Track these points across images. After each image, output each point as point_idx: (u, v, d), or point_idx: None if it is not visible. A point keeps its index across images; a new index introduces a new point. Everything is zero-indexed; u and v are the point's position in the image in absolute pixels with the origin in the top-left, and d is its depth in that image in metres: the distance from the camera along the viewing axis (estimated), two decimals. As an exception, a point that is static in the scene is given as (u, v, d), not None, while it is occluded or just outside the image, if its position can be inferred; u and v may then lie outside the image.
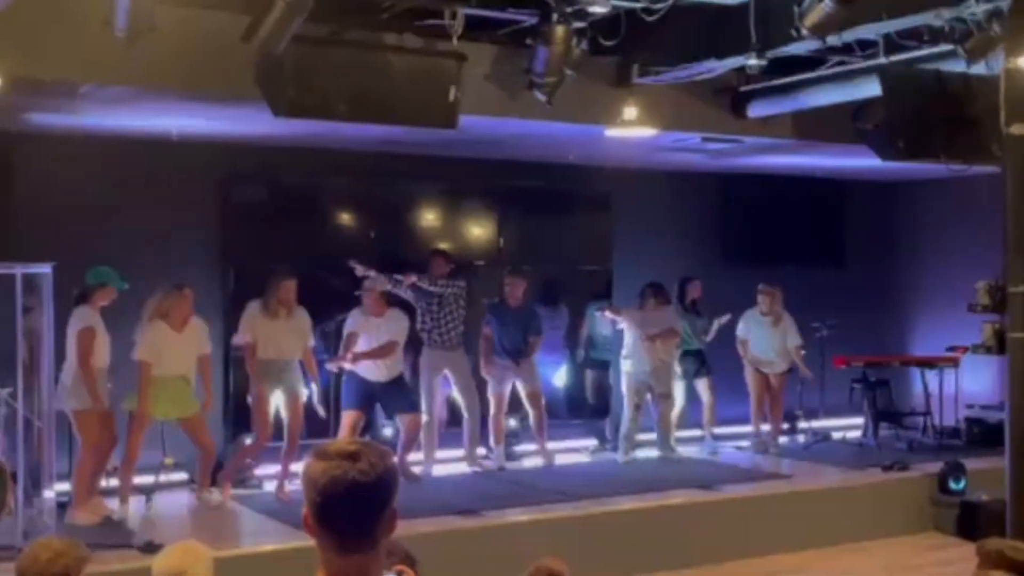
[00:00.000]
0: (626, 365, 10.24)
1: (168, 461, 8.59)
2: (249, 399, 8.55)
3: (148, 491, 8.37)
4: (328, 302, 9.28)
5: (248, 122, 7.94)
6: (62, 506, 7.72)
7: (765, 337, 10.74)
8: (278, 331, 8.42)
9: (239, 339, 8.60)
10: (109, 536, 7.05)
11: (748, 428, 10.96)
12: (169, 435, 8.42)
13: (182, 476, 8.82)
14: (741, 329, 10.83)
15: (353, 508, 2.02)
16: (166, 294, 8.08)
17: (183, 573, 3.59)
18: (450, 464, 9.71)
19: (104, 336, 7.71)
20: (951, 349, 11.43)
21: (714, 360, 10.82)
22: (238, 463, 8.72)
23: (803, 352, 10.96)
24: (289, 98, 6.80)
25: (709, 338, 10.78)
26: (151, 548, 6.52)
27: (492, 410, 9.79)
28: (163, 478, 8.59)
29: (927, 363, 11.49)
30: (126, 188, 8.90)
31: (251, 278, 9.12)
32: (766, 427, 10.93)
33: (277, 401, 8.56)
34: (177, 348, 8.01)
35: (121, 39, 6.25)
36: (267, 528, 7.69)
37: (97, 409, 7.63)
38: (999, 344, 11.44)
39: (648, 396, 10.26)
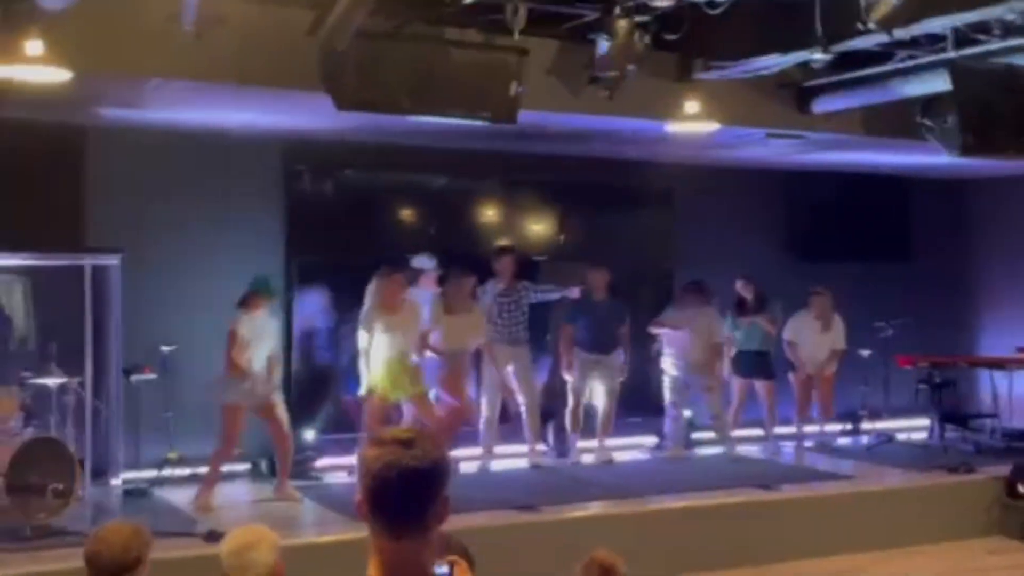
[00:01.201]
0: (666, 364, 10.22)
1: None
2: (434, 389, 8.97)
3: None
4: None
5: (312, 116, 8.02)
6: (128, 493, 7.88)
7: (813, 340, 10.61)
8: (458, 325, 8.89)
9: (434, 336, 8.98)
10: (173, 524, 7.17)
11: (810, 429, 10.83)
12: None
13: (245, 466, 8.94)
14: (790, 332, 10.69)
15: (405, 493, 2.04)
16: (379, 280, 8.48)
17: (250, 548, 3.66)
18: (507, 459, 9.73)
19: (251, 341, 7.95)
20: (1021, 350, 11.19)
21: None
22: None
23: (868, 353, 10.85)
24: (352, 92, 6.86)
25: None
26: (214, 536, 6.61)
27: (571, 403, 9.81)
28: (226, 468, 8.69)
29: (996, 364, 11.25)
30: (192, 181, 9.03)
31: (314, 270, 9.22)
32: (807, 429, 10.78)
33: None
34: (392, 330, 8.38)
35: (188, 34, 6.34)
36: (328, 519, 7.77)
37: (239, 405, 7.93)
38: (1072, 345, 11.21)
39: (688, 393, 10.24)
